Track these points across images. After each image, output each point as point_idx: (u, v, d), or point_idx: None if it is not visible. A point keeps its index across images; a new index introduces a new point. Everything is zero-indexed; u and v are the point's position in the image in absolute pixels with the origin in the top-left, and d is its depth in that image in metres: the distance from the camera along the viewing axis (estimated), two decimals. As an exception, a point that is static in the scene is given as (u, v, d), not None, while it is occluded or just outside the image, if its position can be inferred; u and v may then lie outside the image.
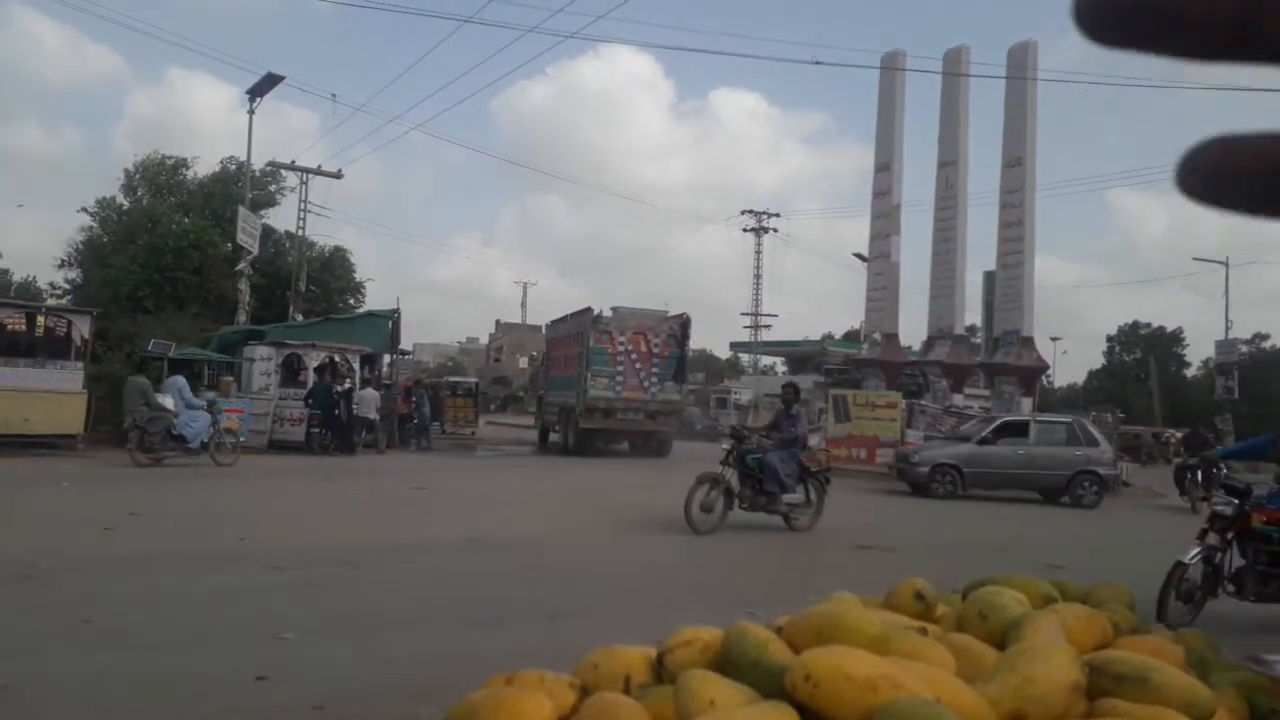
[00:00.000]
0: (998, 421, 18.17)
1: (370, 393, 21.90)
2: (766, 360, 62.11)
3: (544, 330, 31.81)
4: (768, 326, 58.49)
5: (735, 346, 63.39)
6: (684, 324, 22.12)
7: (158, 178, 32.47)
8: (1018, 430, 17.22)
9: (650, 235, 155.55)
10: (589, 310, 22.05)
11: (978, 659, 1.35)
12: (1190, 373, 70.25)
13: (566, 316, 24.75)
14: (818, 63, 42.58)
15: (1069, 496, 16.18)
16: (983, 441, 17.15)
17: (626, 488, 15.87)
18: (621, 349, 21.06)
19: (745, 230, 54.76)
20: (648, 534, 10.25)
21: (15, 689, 4.15)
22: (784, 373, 58.34)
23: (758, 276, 55.75)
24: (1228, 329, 45.69)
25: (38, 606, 5.76)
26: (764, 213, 54.20)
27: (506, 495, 14.29)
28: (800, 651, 1.19)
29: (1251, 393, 46.52)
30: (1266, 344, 63.64)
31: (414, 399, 25.39)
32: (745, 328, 58.63)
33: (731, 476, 10.22)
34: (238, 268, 26.09)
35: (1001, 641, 1.41)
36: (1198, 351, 69.73)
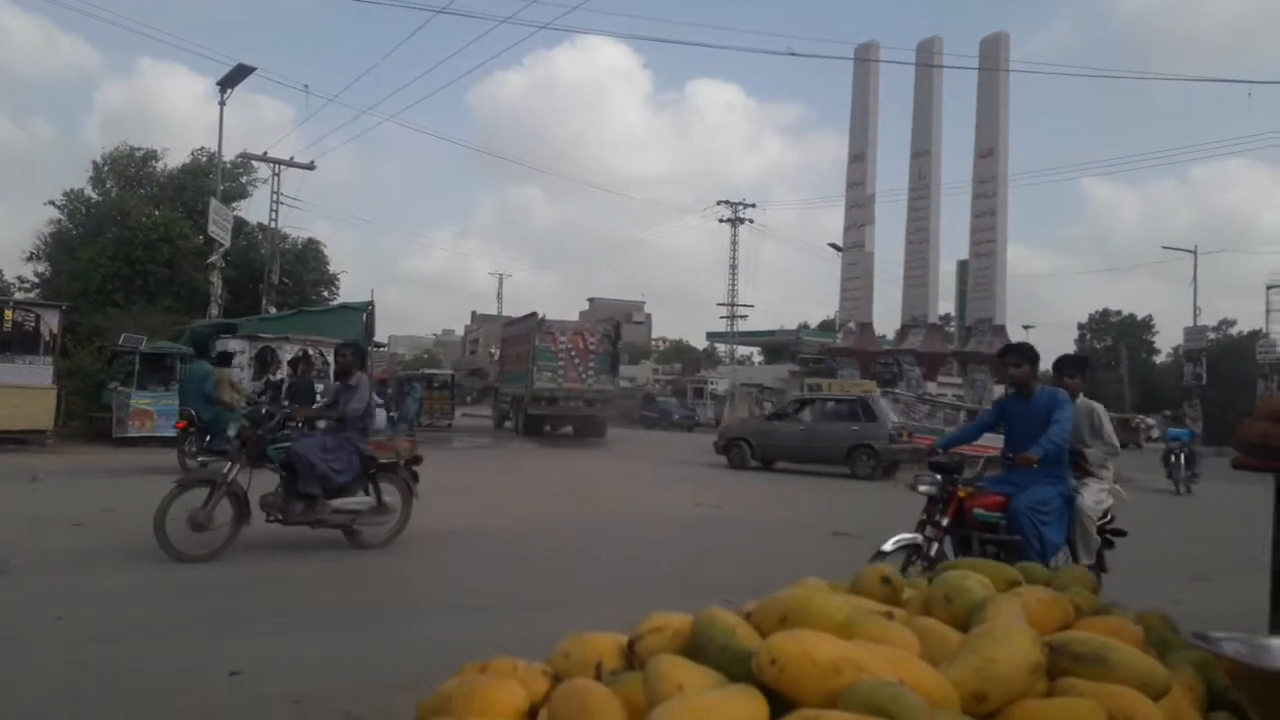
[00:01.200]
0: (794, 399, 20.88)
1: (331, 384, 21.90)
2: (743, 350, 62.28)
3: (500, 332, 36.59)
4: (744, 317, 58.62)
5: (712, 336, 63.53)
6: (616, 326, 27.00)
7: (127, 170, 32.04)
8: (807, 406, 19.58)
9: (627, 226, 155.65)
10: (534, 315, 25.94)
11: (942, 641, 1.38)
12: (1160, 359, 71.22)
13: (516, 320, 29.71)
14: (793, 54, 42.71)
15: (849, 468, 17.47)
16: (772, 417, 19.98)
17: (600, 479, 15.91)
18: (562, 347, 24.78)
19: (721, 221, 54.92)
20: (623, 523, 10.28)
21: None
22: (760, 363, 58.58)
23: (734, 267, 55.94)
24: (1196, 316, 46.32)
25: (9, 603, 5.71)
26: (740, 203, 54.37)
27: (482, 486, 14.28)
28: (767, 636, 1.22)
29: (1218, 378, 47.23)
30: (1233, 330, 64.63)
31: (403, 390, 25.31)
32: (722, 318, 58.87)
33: (238, 475, 7.41)
34: (209, 260, 25.83)
35: (966, 624, 1.44)
36: (1167, 339, 70.75)
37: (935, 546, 5.46)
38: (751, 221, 54.58)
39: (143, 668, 4.49)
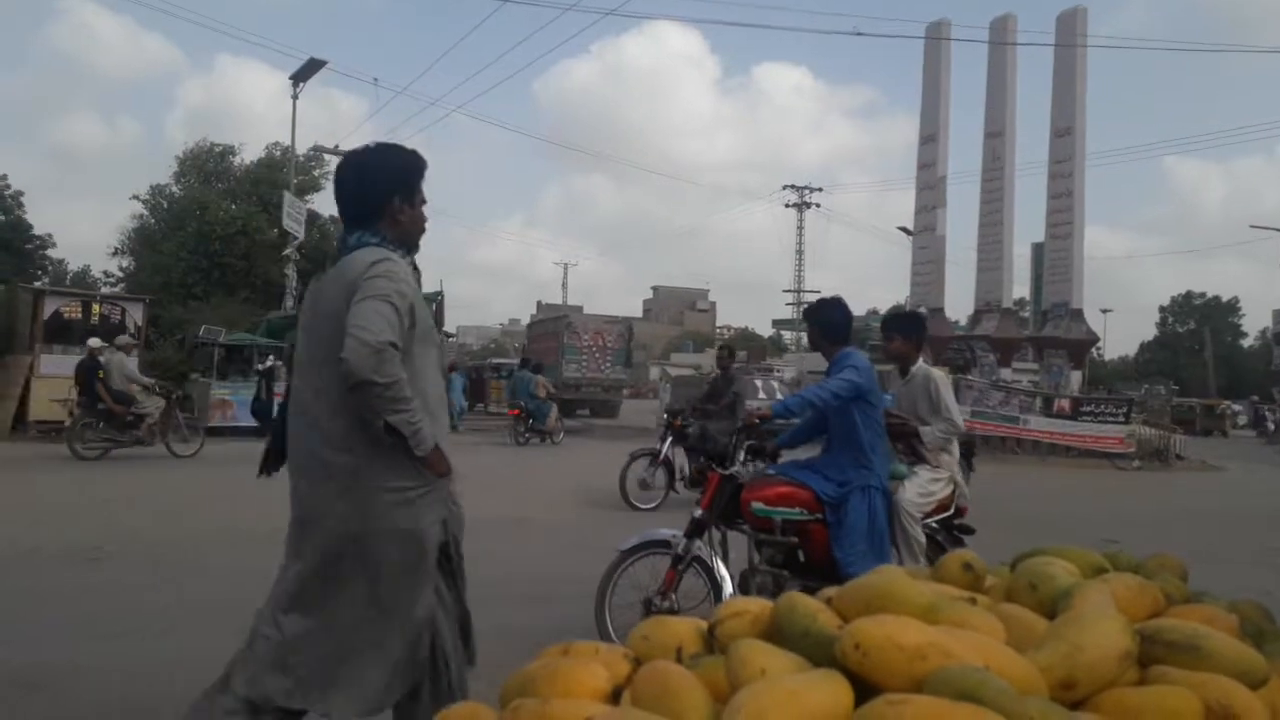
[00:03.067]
0: None
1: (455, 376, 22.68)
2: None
3: (526, 330, 44.45)
4: (810, 303, 58.08)
5: (778, 324, 63.09)
6: (629, 327, 32.43)
7: (206, 165, 32.99)
8: None
9: (693, 213, 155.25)
10: (564, 316, 33.52)
11: (1028, 628, 1.35)
12: (1247, 343, 68.70)
13: (543, 319, 37.71)
14: (859, 34, 42.10)
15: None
16: None
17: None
18: (585, 344, 29.66)
19: (787, 206, 54.43)
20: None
21: (29, 670, 4.27)
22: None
23: (799, 252, 55.47)
24: (1286, 297, 44.53)
25: (99, 589, 5.93)
26: (806, 188, 53.80)
27: (543, 474, 14.40)
28: (849, 621, 1.21)
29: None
30: (1327, 312, 62.00)
31: (475, 379, 25.78)
32: (788, 304, 58.39)
33: (675, 454, 10.44)
34: (284, 253, 26.48)
35: (1051, 611, 1.41)
36: (1254, 321, 68.19)
37: (687, 544, 4.52)
38: (818, 206, 54.05)
39: (172, 659, 4.57)
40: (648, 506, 10.30)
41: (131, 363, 14.93)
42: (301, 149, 29.96)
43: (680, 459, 10.64)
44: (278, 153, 32.54)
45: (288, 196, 25.76)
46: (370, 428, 2.50)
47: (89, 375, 13.67)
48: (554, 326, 31.58)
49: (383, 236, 2.69)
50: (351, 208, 2.75)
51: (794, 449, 5.06)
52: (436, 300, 26.72)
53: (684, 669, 1.23)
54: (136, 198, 33.27)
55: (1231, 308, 69.53)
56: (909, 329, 5.43)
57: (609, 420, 29.88)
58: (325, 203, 33.99)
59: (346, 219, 2.77)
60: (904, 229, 33.74)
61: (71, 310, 18.44)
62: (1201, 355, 59.49)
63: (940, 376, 5.26)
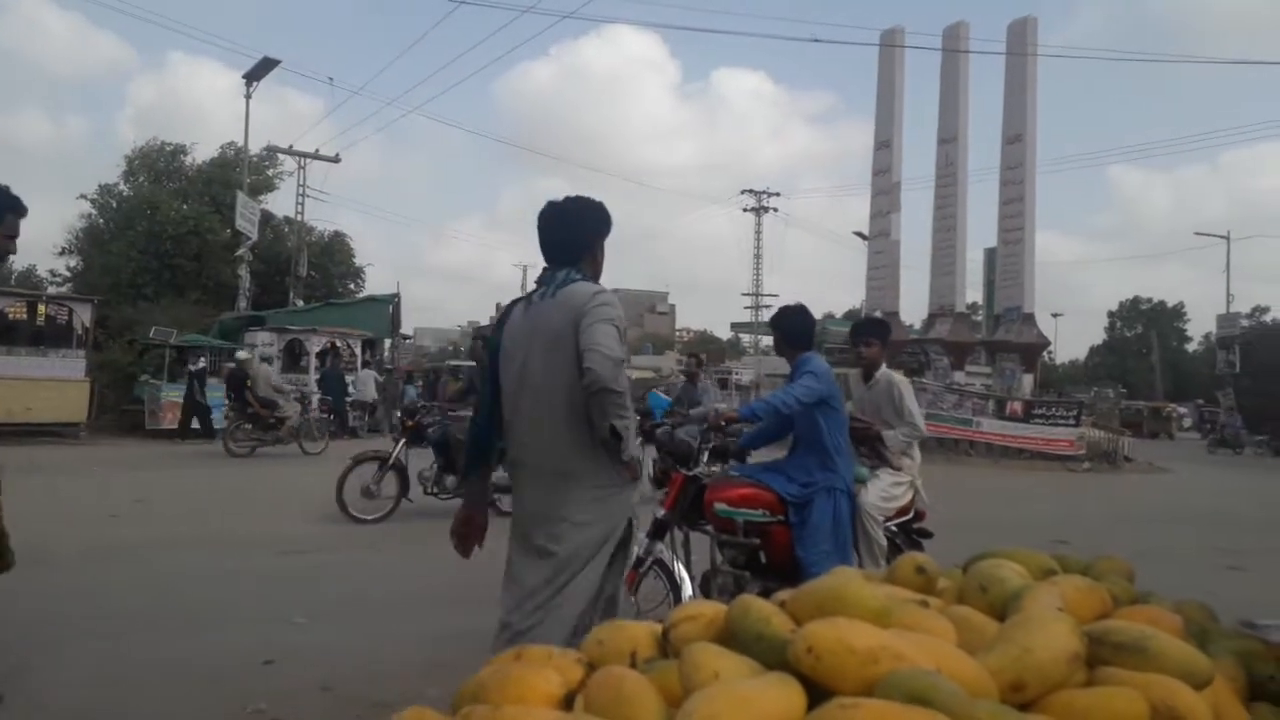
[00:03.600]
0: None
1: (368, 373, 22.23)
2: (767, 341, 62.13)
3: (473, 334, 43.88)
4: (768, 306, 58.36)
5: (736, 327, 63.43)
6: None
7: (156, 164, 32.36)
8: None
9: (652, 217, 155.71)
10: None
11: (978, 631, 1.36)
12: (1191, 347, 70.34)
13: (483, 326, 35.40)
14: (816, 40, 42.58)
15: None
16: None
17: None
18: None
19: (745, 210, 54.73)
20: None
21: (24, 673, 4.20)
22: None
23: (758, 256, 55.80)
24: (1229, 303, 45.71)
25: (47, 593, 5.80)
26: (764, 192, 54.14)
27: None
28: (802, 624, 1.21)
29: (1251, 366, 46.57)
30: (1267, 317, 63.71)
31: (429, 381, 25.70)
32: (746, 308, 58.70)
33: (409, 458, 9.43)
34: (237, 253, 26.09)
35: (1002, 614, 1.43)
36: (1199, 326, 69.82)
37: (649, 545, 4.41)
38: (776, 210, 54.43)
39: (178, 656, 4.56)
40: (371, 518, 8.77)
41: (274, 372, 17.64)
42: (255, 149, 29.55)
43: (416, 463, 9.50)
44: (231, 152, 32.05)
45: (241, 197, 25.39)
46: (598, 432, 2.95)
47: (239, 383, 15.58)
48: (487, 331, 36.98)
49: (584, 273, 3.19)
50: (560, 250, 3.26)
51: (757, 449, 5.09)
52: (393, 302, 26.52)
53: (638, 674, 1.22)
54: (84, 197, 32.57)
55: (1177, 313, 71.16)
56: (882, 334, 5.53)
57: None
58: (278, 203, 33.60)
59: (554, 259, 3.25)
60: (859, 234, 34.11)
61: (16, 311, 17.99)
62: (1149, 359, 60.84)
63: (903, 381, 5.33)
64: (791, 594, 1.38)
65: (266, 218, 30.04)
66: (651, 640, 1.34)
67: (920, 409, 5.50)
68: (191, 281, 28.20)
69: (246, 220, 24.93)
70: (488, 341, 3.52)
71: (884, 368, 5.40)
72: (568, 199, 3.35)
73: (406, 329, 37.62)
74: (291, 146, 29.13)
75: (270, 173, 32.76)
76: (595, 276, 3.29)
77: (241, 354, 16.76)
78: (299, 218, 29.55)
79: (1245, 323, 54.50)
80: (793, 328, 4.87)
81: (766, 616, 1.25)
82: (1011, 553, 1.67)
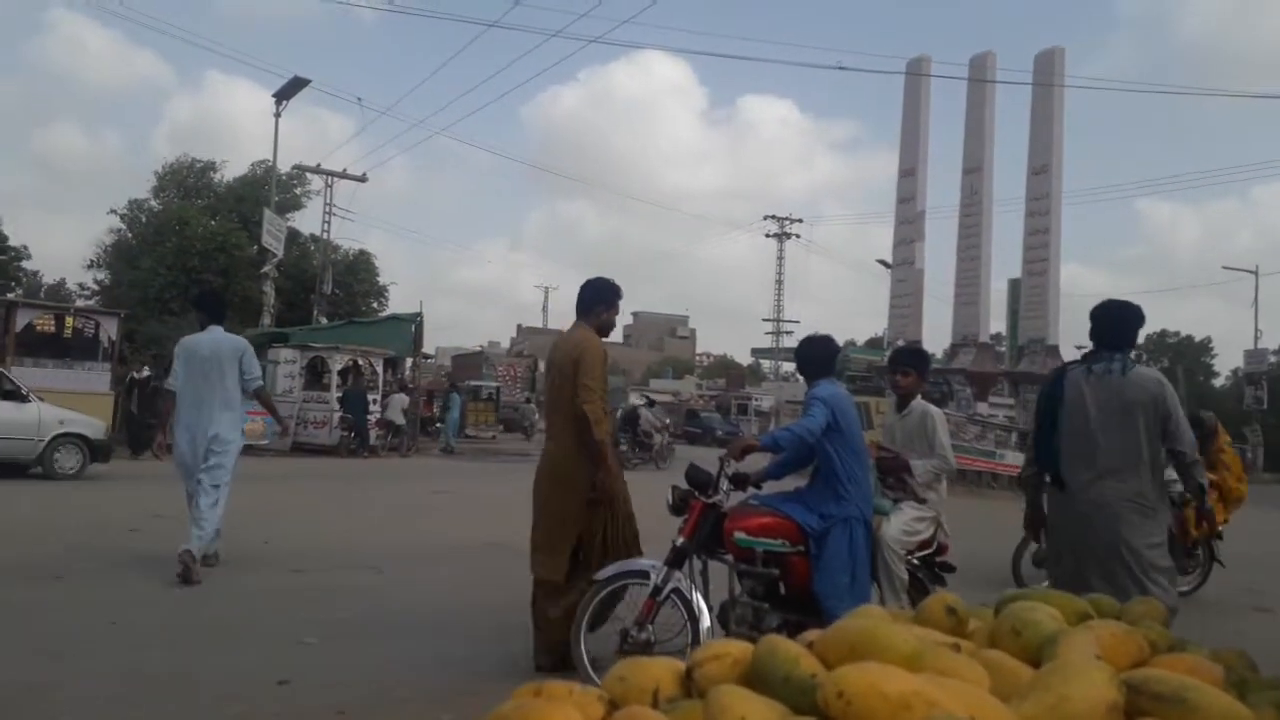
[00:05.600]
0: None
1: (399, 396, 22.47)
2: (787, 367, 61.92)
3: (451, 360, 48.56)
4: (789, 333, 58.31)
5: (756, 353, 63.25)
6: (535, 361, 40.69)
7: (186, 180, 32.79)
8: None
9: (675, 241, 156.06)
10: (482, 351, 42.59)
11: (1012, 676, 1.32)
12: (1219, 383, 69.45)
13: (465, 354, 44.99)
14: (841, 68, 42.76)
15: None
16: None
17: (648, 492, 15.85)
18: (501, 373, 38.55)
19: (768, 236, 54.73)
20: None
21: (41, 689, 4.20)
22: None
23: (779, 282, 55.75)
24: (1257, 338, 45.12)
25: (65, 608, 5.82)
26: (787, 218, 54.14)
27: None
28: (832, 667, 1.18)
29: (1279, 402, 45.90)
30: (1296, 354, 62.89)
31: (444, 402, 25.81)
32: (767, 334, 58.59)
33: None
34: (263, 270, 26.31)
35: (1035, 659, 1.39)
36: (1226, 361, 68.90)
37: (667, 574, 4.37)
38: (798, 237, 54.42)
39: (193, 674, 4.54)
40: None
41: (406, 402, 22.60)
42: (284, 167, 29.88)
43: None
44: (260, 170, 32.43)
45: (268, 214, 25.66)
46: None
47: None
48: (475, 359, 41.34)
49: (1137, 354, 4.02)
50: (1116, 337, 4.32)
51: (780, 480, 5.05)
52: (416, 321, 26.62)
53: (660, 715, 1.19)
54: (114, 211, 33.02)
55: (1204, 347, 70.27)
56: (920, 364, 5.48)
57: (519, 435, 34.22)
58: (305, 221, 33.94)
59: (1111, 345, 4.28)
60: (883, 262, 34.01)
61: (44, 323, 18.19)
62: (1176, 393, 60.11)
63: (938, 413, 5.26)
64: (820, 635, 1.34)
65: (293, 235, 30.33)
66: (674, 679, 1.31)
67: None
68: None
69: (273, 237, 25.16)
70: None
71: (919, 398, 5.34)
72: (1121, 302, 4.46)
73: (428, 348, 37.79)
74: (319, 165, 29.39)
75: (298, 191, 33.14)
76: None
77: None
78: (325, 236, 29.80)
79: (1273, 358, 53.85)
80: (810, 356, 4.91)
81: (794, 657, 1.21)
82: (1045, 594, 1.63)
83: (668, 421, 24.04)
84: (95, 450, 13.47)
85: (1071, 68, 28.54)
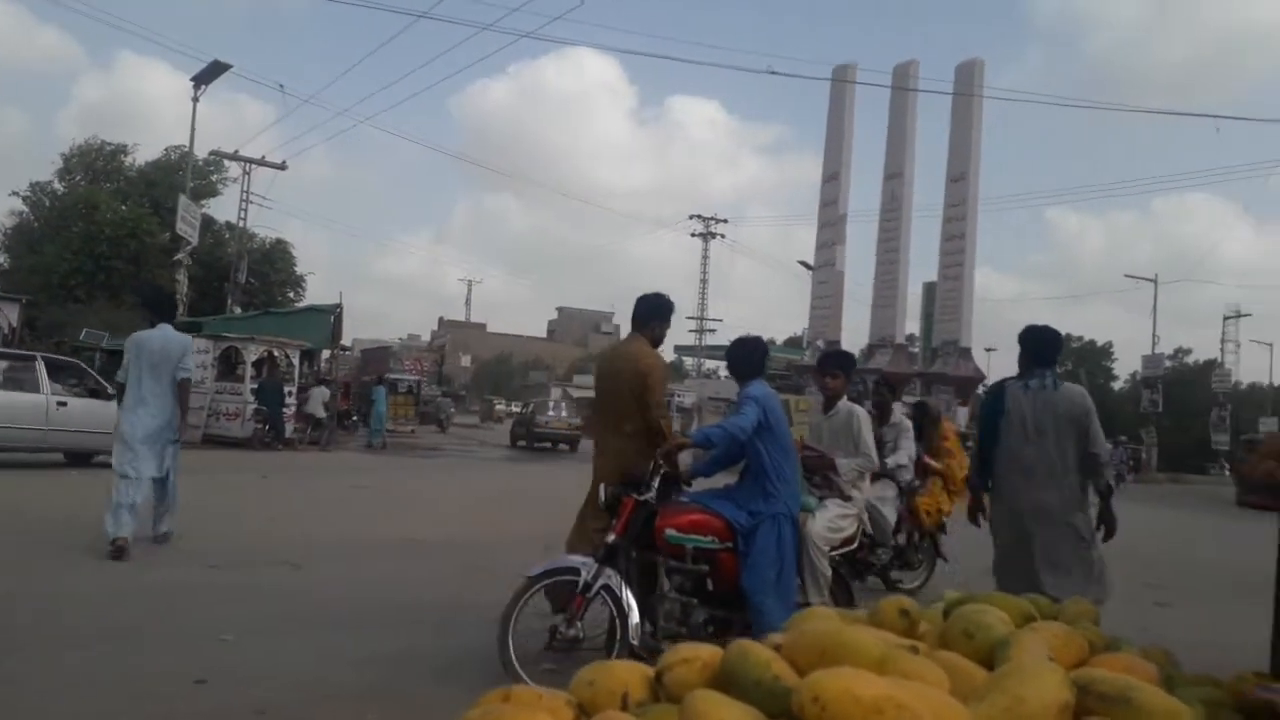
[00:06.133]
0: None
1: (320, 389, 22.16)
2: (710, 364, 62.44)
3: (360, 354, 47.35)
4: (712, 331, 58.76)
5: (680, 350, 63.59)
6: (441, 355, 39.12)
7: (95, 163, 31.51)
8: None
9: (602, 237, 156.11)
10: (388, 346, 41.45)
11: (967, 678, 1.37)
12: (1118, 386, 72.35)
13: (374, 348, 42.77)
14: (772, 72, 43.46)
15: None
16: None
17: (567, 490, 15.83)
18: (408, 366, 36.99)
19: (694, 235, 55.06)
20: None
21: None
22: (726, 377, 58.70)
23: (704, 281, 56.12)
24: (1155, 344, 47.16)
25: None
26: (712, 218, 54.54)
27: (451, 495, 14.16)
28: (802, 671, 1.21)
29: (1173, 405, 48.11)
30: (1189, 359, 65.92)
31: (369, 395, 25.41)
32: (690, 331, 58.93)
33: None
34: (176, 258, 25.46)
35: (988, 660, 1.44)
36: (1125, 365, 71.90)
37: (598, 571, 4.35)
38: (723, 237, 54.86)
39: (107, 674, 4.39)
40: None
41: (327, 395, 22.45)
42: (200, 153, 28.93)
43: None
44: (175, 155, 31.34)
45: (183, 200, 24.80)
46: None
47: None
48: (382, 353, 39.17)
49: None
50: (1044, 356, 4.95)
51: (710, 477, 5.10)
52: (335, 313, 26.08)
53: (631, 718, 1.20)
54: (16, 194, 31.55)
55: (1105, 352, 73.20)
56: (848, 366, 5.65)
57: (433, 428, 34.56)
58: (221, 209, 32.97)
59: (1042, 363, 4.89)
60: (804, 263, 34.55)
61: (-62, 308, 17.33)
62: (1078, 396, 62.33)
63: (864, 415, 5.44)
64: (788, 639, 1.37)
65: (207, 223, 29.42)
66: (643, 683, 1.32)
67: None
68: (127, 285, 27.47)
69: (188, 224, 24.34)
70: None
71: (845, 399, 5.47)
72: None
73: (346, 340, 37.09)
74: (237, 152, 28.56)
75: (214, 177, 32.16)
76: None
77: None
78: (241, 224, 28.98)
79: (1169, 364, 56.36)
80: (742, 357, 5.00)
81: (765, 662, 1.24)
82: (990, 597, 1.69)
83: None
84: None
85: (990, 79, 29.45)
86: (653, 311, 5.26)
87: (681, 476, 4.95)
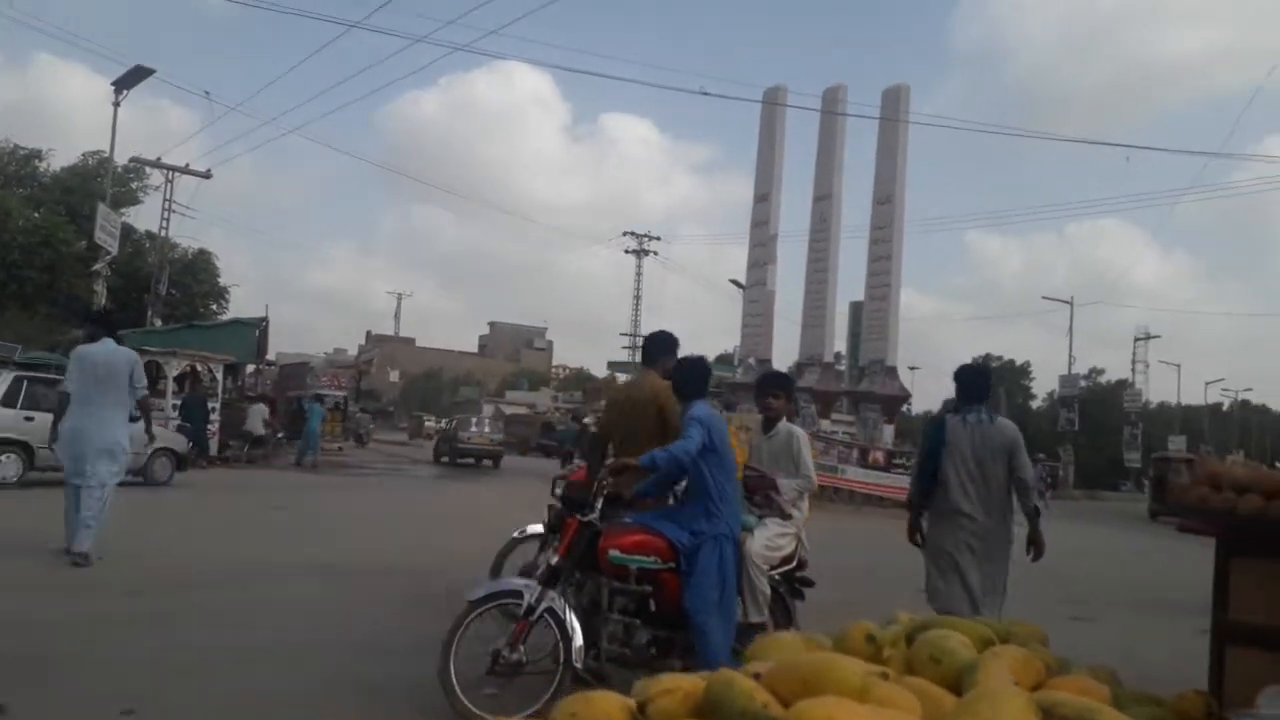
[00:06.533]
0: None
1: (260, 406, 22.32)
2: (642, 381, 62.57)
3: (279, 369, 47.21)
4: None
5: (613, 366, 63.68)
6: (359, 372, 41.02)
7: (7, 168, 30.32)
8: None
9: (535, 253, 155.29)
10: (306, 363, 41.83)
11: (937, 703, 1.42)
12: (1036, 404, 74.53)
13: (292, 364, 43.32)
14: (705, 93, 44.05)
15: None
16: None
17: (497, 511, 15.72)
18: (324, 382, 35.31)
19: (627, 252, 55.32)
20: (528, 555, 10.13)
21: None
22: (658, 394, 58.75)
23: (637, 297, 56.38)
24: (1071, 364, 48.72)
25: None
26: (645, 235, 54.89)
27: (386, 514, 13.94)
28: (783, 699, 1.24)
29: (1088, 423, 49.75)
30: (1102, 379, 68.29)
31: (303, 411, 24.99)
32: (624, 348, 59.09)
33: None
34: (94, 268, 24.61)
35: (955, 684, 1.49)
36: (1043, 384, 74.15)
37: (541, 593, 4.30)
38: (656, 254, 55.23)
39: (31, 707, 4.22)
40: None
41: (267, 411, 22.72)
42: (121, 159, 28.09)
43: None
44: (93, 161, 30.34)
45: (102, 208, 24.00)
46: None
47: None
48: (300, 369, 39.07)
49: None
50: (978, 392, 5.57)
51: (653, 498, 5.11)
52: (260, 326, 25.52)
53: (618, 750, 1.22)
54: (-81, 197, 30.17)
55: (1024, 371, 75.40)
56: (789, 387, 5.76)
57: (352, 443, 34.47)
58: (142, 217, 32.03)
59: (976, 399, 5.48)
60: (735, 282, 34.95)
61: None
62: (998, 413, 64.07)
63: (803, 436, 5.51)
64: (770, 668, 1.40)
65: (127, 232, 28.48)
66: (625, 714, 1.34)
67: None
68: (41, 295, 26.48)
69: (107, 233, 23.55)
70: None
71: (785, 420, 5.55)
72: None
73: (270, 354, 36.26)
74: (160, 159, 27.79)
75: (134, 185, 31.21)
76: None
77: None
78: (163, 233, 28.17)
79: (1084, 383, 58.27)
80: (687, 377, 4.98)
81: (749, 692, 1.26)
82: (950, 622, 1.75)
83: None
84: (180, 461, 16.05)
85: (917, 103, 30.20)
86: (662, 348, 5.64)
87: (625, 497, 4.97)
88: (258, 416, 22.00)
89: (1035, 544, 5.23)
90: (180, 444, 16.34)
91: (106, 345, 7.93)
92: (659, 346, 5.67)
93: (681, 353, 5.52)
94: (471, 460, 29.14)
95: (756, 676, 1.38)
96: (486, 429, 30.74)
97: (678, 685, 1.38)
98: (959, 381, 5.48)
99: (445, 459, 29.49)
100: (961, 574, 5.15)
